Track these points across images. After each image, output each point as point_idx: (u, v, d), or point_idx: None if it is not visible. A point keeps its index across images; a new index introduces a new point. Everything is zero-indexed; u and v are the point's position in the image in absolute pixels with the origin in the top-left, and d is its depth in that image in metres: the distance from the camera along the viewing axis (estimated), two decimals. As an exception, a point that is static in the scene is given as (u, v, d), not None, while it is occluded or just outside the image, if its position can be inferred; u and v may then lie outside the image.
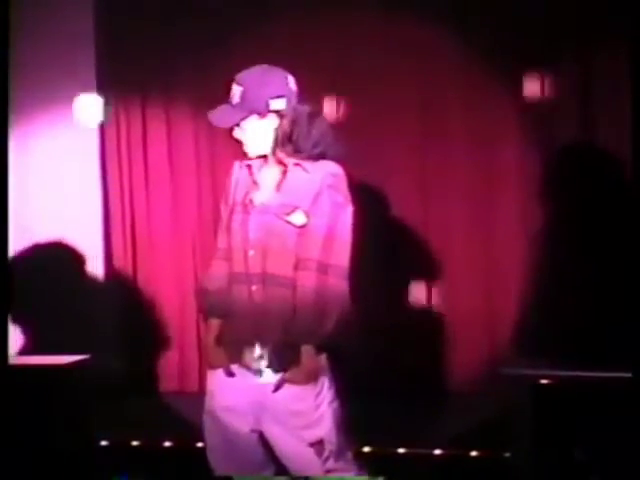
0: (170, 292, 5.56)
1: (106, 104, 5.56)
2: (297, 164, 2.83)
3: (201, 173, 5.53)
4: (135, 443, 4.30)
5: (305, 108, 2.85)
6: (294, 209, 2.80)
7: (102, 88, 5.55)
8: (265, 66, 2.87)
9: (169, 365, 5.53)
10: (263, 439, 2.89)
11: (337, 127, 2.93)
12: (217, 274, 2.96)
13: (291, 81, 2.87)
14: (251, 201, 2.88)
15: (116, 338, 5.50)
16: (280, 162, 2.86)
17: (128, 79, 5.54)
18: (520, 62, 5.06)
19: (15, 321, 5.03)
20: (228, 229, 2.92)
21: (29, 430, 3.63)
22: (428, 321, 5.23)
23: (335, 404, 2.85)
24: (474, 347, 5.15)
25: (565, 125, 5.08)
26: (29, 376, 3.70)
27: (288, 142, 2.83)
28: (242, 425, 2.88)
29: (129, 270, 5.60)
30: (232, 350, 2.88)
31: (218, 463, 2.97)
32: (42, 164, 5.57)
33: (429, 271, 5.25)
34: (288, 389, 2.79)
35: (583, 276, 4.91)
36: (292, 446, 2.83)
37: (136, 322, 5.55)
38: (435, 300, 5.26)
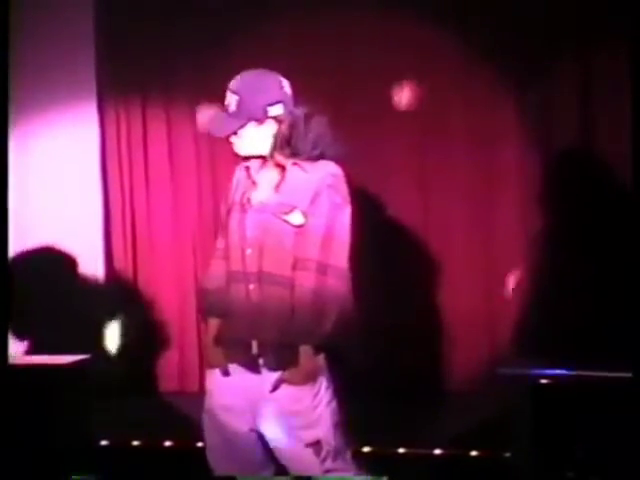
0: (170, 292, 5.56)
1: (106, 104, 5.57)
2: (295, 164, 2.83)
3: (201, 173, 5.53)
4: (135, 443, 4.30)
5: (302, 111, 2.85)
6: (292, 209, 2.80)
7: (102, 88, 5.55)
8: (258, 71, 2.86)
9: (169, 365, 5.53)
10: (262, 439, 2.89)
11: (337, 127, 2.92)
12: (216, 273, 2.97)
13: (285, 84, 2.86)
14: (249, 200, 2.88)
15: (116, 338, 5.50)
16: (278, 164, 2.87)
17: (128, 79, 5.54)
18: (520, 62, 5.06)
19: (15, 321, 5.02)
20: (226, 228, 2.93)
21: (29, 430, 3.63)
22: (428, 321, 5.23)
23: (333, 404, 2.85)
24: (474, 347, 5.15)
25: (565, 125, 5.08)
26: (29, 376, 3.70)
27: (287, 146, 2.83)
28: (241, 424, 2.88)
29: (129, 270, 5.60)
30: (230, 349, 2.88)
31: (218, 463, 2.97)
32: (42, 164, 5.57)
33: (429, 271, 5.25)
34: (286, 389, 2.79)
35: (583, 276, 4.91)
36: (290, 446, 2.83)
37: (136, 322, 5.54)
38: (435, 300, 5.26)
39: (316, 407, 2.81)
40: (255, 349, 2.83)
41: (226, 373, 2.89)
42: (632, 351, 3.10)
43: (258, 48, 5.03)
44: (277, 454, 2.89)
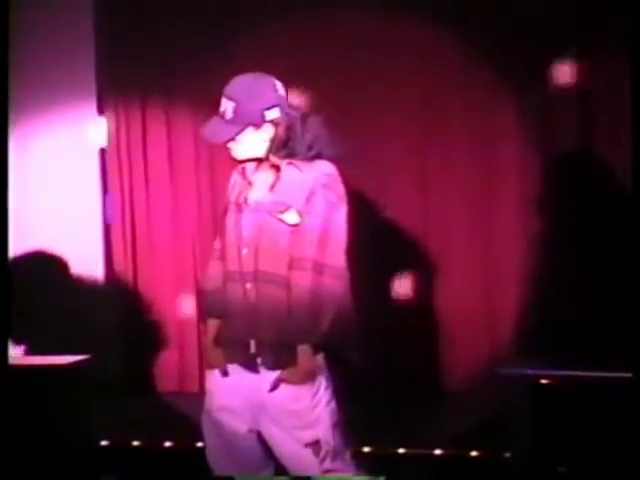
0: (170, 292, 5.56)
1: (106, 104, 5.57)
2: (290, 163, 2.84)
3: (200, 174, 5.53)
4: (135, 443, 4.30)
5: (297, 112, 2.86)
6: (287, 208, 2.80)
7: (102, 88, 5.55)
8: (252, 75, 2.85)
9: (169, 365, 5.53)
10: (261, 439, 2.89)
11: (337, 127, 2.92)
12: (213, 274, 2.99)
13: (280, 87, 2.86)
14: (245, 200, 2.89)
15: (116, 338, 5.50)
16: (274, 165, 2.87)
17: (128, 79, 5.54)
18: (520, 62, 5.06)
19: (15, 321, 5.02)
20: (222, 228, 2.94)
21: (29, 430, 3.63)
22: (427, 321, 5.23)
23: (332, 404, 2.85)
24: (473, 347, 5.15)
25: (565, 125, 5.08)
26: (29, 376, 3.70)
27: (283, 148, 2.84)
28: (240, 425, 2.89)
29: (129, 270, 5.60)
30: (229, 349, 2.89)
31: (217, 463, 2.97)
32: (42, 164, 5.57)
33: (428, 271, 5.26)
34: (285, 389, 2.79)
35: (583, 276, 4.91)
36: (289, 446, 2.83)
37: (136, 322, 5.55)
38: (434, 300, 5.26)
39: (315, 407, 2.81)
40: (253, 348, 2.84)
41: (225, 374, 2.90)
42: (632, 351, 3.10)
43: (258, 48, 5.03)
44: (277, 454, 2.89)
